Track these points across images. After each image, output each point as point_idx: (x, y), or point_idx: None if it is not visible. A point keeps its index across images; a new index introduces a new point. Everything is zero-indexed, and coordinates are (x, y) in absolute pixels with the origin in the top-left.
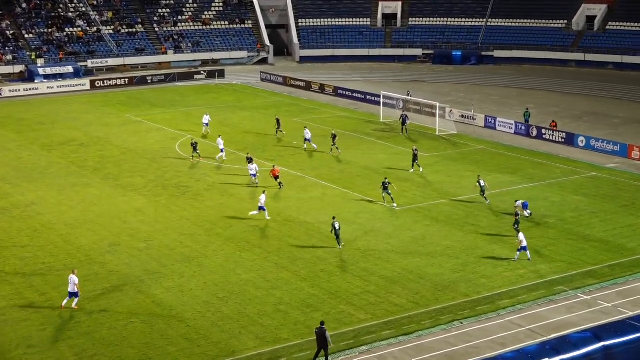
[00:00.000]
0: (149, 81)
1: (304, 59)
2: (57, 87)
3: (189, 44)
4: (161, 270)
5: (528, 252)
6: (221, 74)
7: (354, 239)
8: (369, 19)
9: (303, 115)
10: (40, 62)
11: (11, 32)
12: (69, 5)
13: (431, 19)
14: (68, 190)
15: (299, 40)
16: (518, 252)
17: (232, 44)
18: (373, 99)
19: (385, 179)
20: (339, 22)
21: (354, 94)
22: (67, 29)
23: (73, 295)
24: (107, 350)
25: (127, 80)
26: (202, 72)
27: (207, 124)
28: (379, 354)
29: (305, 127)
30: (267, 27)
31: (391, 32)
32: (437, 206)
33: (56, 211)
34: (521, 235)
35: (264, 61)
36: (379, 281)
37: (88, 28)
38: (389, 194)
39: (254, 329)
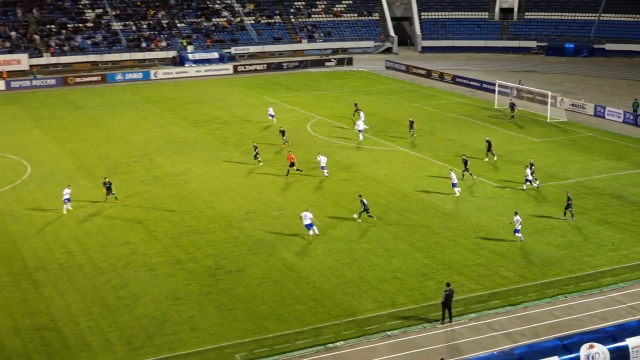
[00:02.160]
0: (285, 67)
1: (425, 49)
2: (204, 71)
3: (321, 34)
4: (291, 236)
5: (520, 234)
6: (349, 61)
7: (467, 215)
8: (487, 13)
9: (423, 100)
10: (190, 48)
11: (166, 21)
12: None
13: (546, 13)
14: (212, 162)
15: (421, 32)
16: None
17: (360, 35)
18: (488, 87)
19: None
20: (459, 15)
21: (471, 82)
22: (213, 19)
23: (310, 226)
24: (242, 306)
25: (265, 65)
26: (332, 60)
27: (272, 116)
28: (487, 322)
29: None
30: (392, 19)
31: (508, 25)
32: (545, 188)
33: (201, 181)
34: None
35: (388, 50)
36: (489, 255)
37: (232, 18)
38: (469, 172)
39: (373, 293)
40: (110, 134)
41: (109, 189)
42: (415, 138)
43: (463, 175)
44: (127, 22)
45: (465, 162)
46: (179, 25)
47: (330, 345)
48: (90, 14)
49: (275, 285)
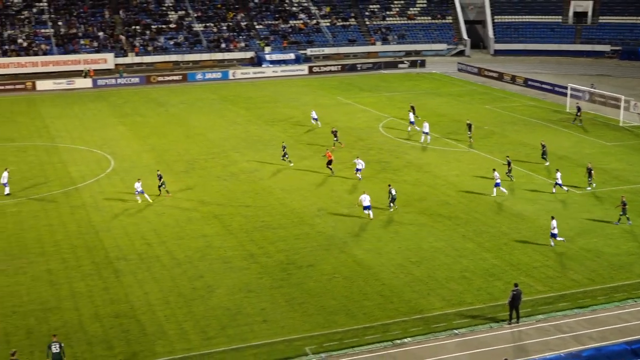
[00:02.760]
0: (358, 68)
1: (497, 52)
2: (281, 71)
3: (395, 36)
4: (362, 234)
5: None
6: (422, 63)
7: (536, 217)
8: (560, 17)
9: (494, 103)
10: (267, 49)
11: (244, 23)
12: (293, 0)
13: (621, 17)
14: (281, 159)
15: (494, 35)
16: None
17: (433, 37)
18: (560, 90)
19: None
20: (532, 19)
21: (543, 85)
22: (290, 21)
23: (368, 208)
24: (312, 300)
25: (339, 67)
26: (405, 62)
27: (316, 119)
28: (555, 324)
29: (425, 122)
30: (465, 22)
31: (581, 29)
32: (616, 192)
33: (274, 178)
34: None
35: (461, 53)
36: (558, 257)
37: (308, 21)
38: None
39: (441, 291)
40: (190, 131)
41: (160, 181)
42: (472, 143)
43: (509, 176)
44: (207, 24)
45: (509, 163)
46: (257, 27)
47: (398, 341)
48: (173, 16)
49: (345, 281)
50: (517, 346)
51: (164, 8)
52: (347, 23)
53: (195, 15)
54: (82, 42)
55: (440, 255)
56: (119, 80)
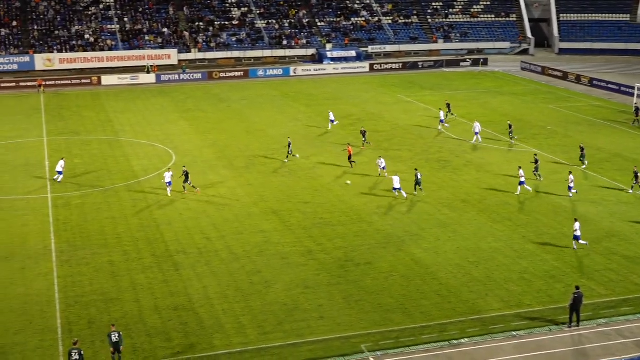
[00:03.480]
0: (420, 66)
1: (562, 51)
2: (342, 68)
3: (457, 34)
4: (420, 232)
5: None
6: (485, 62)
7: (599, 219)
8: (629, 15)
9: (558, 102)
10: (328, 46)
11: (306, 20)
12: None
13: None
14: (344, 158)
15: (559, 34)
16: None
17: (496, 36)
18: (627, 90)
19: (635, 167)
20: (599, 17)
21: (609, 85)
22: (352, 19)
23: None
24: (369, 298)
25: (401, 64)
26: (467, 60)
27: (332, 121)
28: (617, 328)
29: (476, 122)
30: (530, 20)
31: None
32: None
33: (334, 175)
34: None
35: (524, 52)
36: (621, 260)
37: (370, 18)
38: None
39: (500, 292)
40: (251, 127)
41: (186, 178)
42: (513, 145)
43: (536, 174)
44: (270, 21)
45: (536, 161)
46: (319, 24)
47: (455, 341)
48: (236, 13)
49: (402, 279)
50: (576, 350)
51: (227, 5)
52: (409, 21)
53: (258, 12)
54: (146, 38)
55: (499, 255)
56: (182, 76)
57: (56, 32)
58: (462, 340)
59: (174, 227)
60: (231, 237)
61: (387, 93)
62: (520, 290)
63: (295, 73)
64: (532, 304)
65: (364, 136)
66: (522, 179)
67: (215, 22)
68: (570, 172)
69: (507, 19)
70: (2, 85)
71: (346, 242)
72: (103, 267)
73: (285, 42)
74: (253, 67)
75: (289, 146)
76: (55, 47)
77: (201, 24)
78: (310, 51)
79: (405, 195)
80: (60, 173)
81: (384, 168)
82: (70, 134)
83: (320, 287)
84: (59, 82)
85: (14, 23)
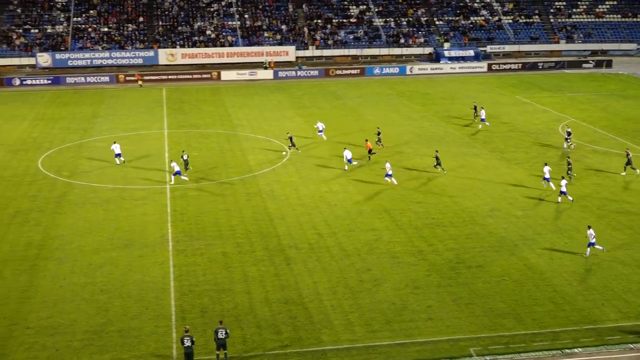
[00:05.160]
0: (540, 67)
1: None
2: (459, 68)
3: (581, 35)
4: (535, 237)
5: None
6: (609, 64)
7: None
8: None
9: None
10: (446, 45)
11: (425, 19)
12: None
13: None
14: (459, 158)
15: None
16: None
17: (622, 36)
18: None
19: None
20: None
21: None
22: (471, 18)
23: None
24: (480, 301)
25: (520, 65)
26: (590, 61)
27: (321, 132)
28: None
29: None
30: None
31: None
32: None
33: (447, 175)
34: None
35: None
36: None
37: (490, 17)
38: None
39: (617, 302)
40: (365, 125)
41: (186, 164)
42: (570, 152)
43: (569, 174)
44: (387, 19)
45: (569, 164)
46: (437, 22)
47: (568, 350)
48: (354, 10)
49: (514, 284)
50: None
51: (345, 2)
52: (531, 20)
53: (376, 10)
54: (265, 34)
55: (618, 265)
56: (299, 73)
57: (179, 28)
58: (575, 350)
59: (287, 222)
60: (342, 234)
61: (505, 94)
62: (639, 301)
63: (411, 72)
64: None
65: (378, 136)
66: (547, 176)
67: (333, 20)
68: (546, 164)
69: (635, 19)
70: (128, 78)
71: (458, 244)
72: (217, 258)
73: (402, 41)
74: (369, 65)
75: (291, 140)
76: (178, 43)
77: (319, 21)
78: (427, 50)
79: (394, 182)
80: (118, 155)
81: (389, 175)
82: (189, 127)
83: (429, 287)
84: (181, 77)
85: (140, 19)
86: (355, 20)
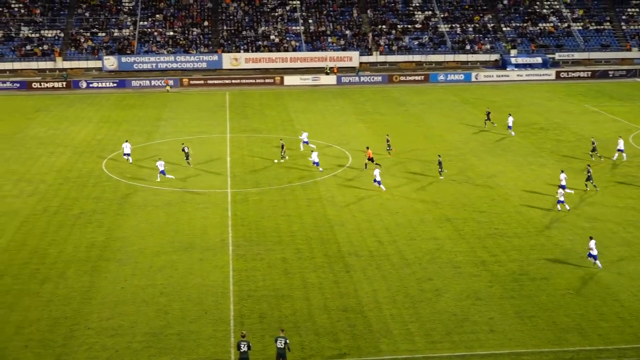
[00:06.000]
0: (610, 75)
1: None
2: (525, 75)
3: None
4: (602, 250)
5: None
6: None
7: None
8: None
9: None
10: (513, 52)
11: (491, 25)
12: (545, 2)
13: None
14: (525, 167)
15: None
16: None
17: None
18: None
19: None
20: None
21: None
22: (540, 24)
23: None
24: (544, 314)
25: (589, 73)
26: None
27: (306, 142)
28: None
29: (620, 137)
30: None
31: None
32: None
33: (512, 185)
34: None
35: None
36: None
37: (559, 24)
38: None
39: None
40: (428, 132)
41: (187, 156)
42: (596, 163)
43: (592, 184)
44: (453, 25)
45: (589, 171)
46: (504, 29)
47: None
48: (419, 16)
49: (580, 298)
50: None
51: (410, 8)
52: (601, 27)
53: (442, 16)
54: (329, 39)
55: None
56: (362, 78)
57: (243, 33)
58: None
59: (347, 229)
60: (403, 242)
61: (573, 102)
62: None
63: (476, 79)
64: None
65: (387, 142)
66: (563, 183)
67: (398, 26)
68: (562, 171)
69: None
70: (192, 82)
71: (522, 255)
72: (276, 264)
73: (468, 47)
74: (434, 72)
75: (282, 148)
76: (242, 47)
77: (384, 26)
78: (494, 57)
79: (383, 189)
80: (127, 155)
81: (378, 182)
82: (252, 131)
83: (492, 299)
84: (244, 81)
85: (205, 23)
86: (420, 26)
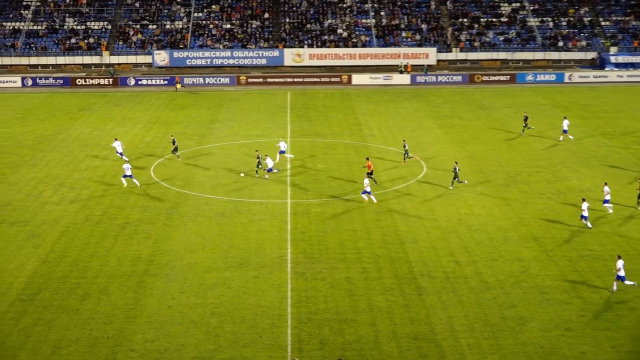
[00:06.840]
0: None
1: None
2: (627, 76)
3: None
4: None
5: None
6: None
7: None
8: None
9: None
10: (613, 50)
11: (588, 19)
12: None
13: None
14: (623, 180)
15: None
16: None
17: None
18: None
19: None
20: None
21: None
22: None
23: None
24: None
25: None
26: None
27: (283, 152)
28: None
29: None
30: None
31: None
32: None
33: (612, 200)
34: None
35: None
36: None
37: None
38: None
39: None
40: (513, 140)
41: (175, 148)
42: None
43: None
44: (544, 19)
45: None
46: (602, 23)
47: None
48: (506, 8)
49: None
50: None
51: (496, 0)
52: None
53: (532, 8)
54: (403, 34)
55: None
56: (440, 78)
57: (308, 26)
58: None
59: (420, 247)
60: (483, 263)
61: None
62: None
63: (570, 79)
64: None
65: (404, 148)
66: (607, 197)
67: (481, 19)
68: (606, 183)
69: None
70: (250, 80)
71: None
72: (340, 284)
73: (560, 44)
74: (521, 71)
75: (258, 159)
76: (305, 42)
77: (465, 20)
78: (590, 55)
79: (374, 200)
80: (121, 154)
81: (369, 192)
82: (315, 136)
83: (584, 330)
84: (307, 80)
85: (266, 15)
86: (506, 19)
